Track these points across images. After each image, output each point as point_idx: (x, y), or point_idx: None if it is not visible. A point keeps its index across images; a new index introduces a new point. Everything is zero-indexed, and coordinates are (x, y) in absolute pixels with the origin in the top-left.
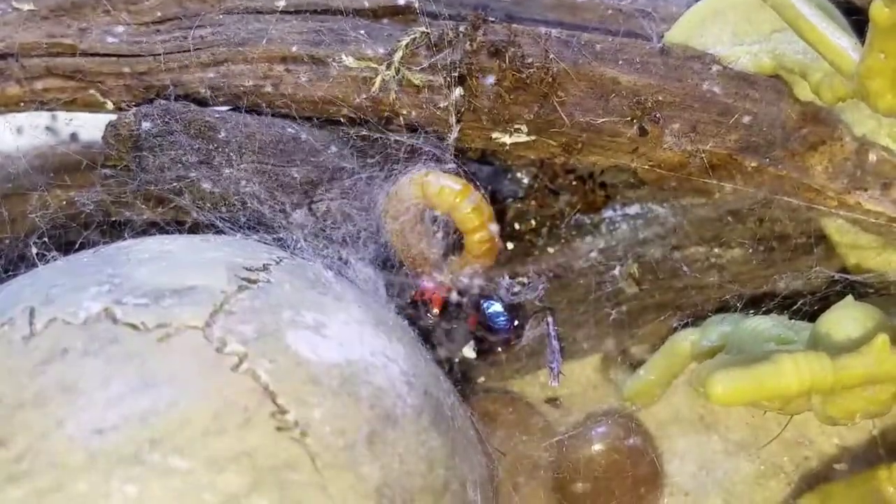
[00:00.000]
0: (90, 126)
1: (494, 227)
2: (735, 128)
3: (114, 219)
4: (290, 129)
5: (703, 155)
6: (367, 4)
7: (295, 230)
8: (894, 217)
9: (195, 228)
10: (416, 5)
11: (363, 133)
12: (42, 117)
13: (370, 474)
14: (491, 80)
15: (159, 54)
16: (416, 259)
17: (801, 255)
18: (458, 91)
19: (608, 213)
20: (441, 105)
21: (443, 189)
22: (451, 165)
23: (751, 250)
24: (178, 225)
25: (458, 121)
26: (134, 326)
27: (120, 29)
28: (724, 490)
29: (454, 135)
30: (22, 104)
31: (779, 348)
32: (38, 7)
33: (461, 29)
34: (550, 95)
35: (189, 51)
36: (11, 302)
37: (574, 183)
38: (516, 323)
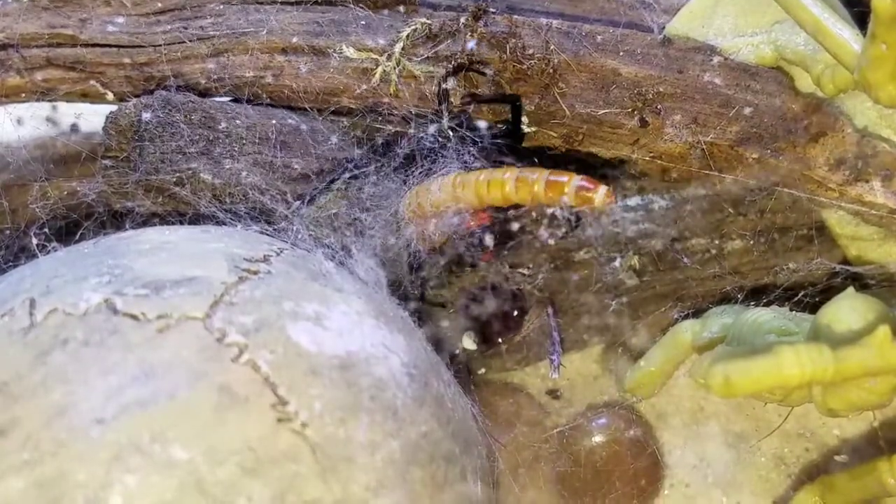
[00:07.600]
0: (91, 117)
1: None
2: (736, 119)
3: (114, 209)
4: (290, 120)
5: (704, 146)
6: None
7: (296, 221)
8: (895, 209)
9: (196, 219)
10: None
11: (364, 123)
12: (43, 108)
13: (370, 465)
14: (490, 72)
15: (160, 45)
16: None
17: (802, 246)
18: (452, 81)
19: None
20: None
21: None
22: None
23: (752, 242)
24: (180, 216)
25: (460, 103)
26: (134, 317)
27: (120, 19)
28: (724, 482)
29: (445, 122)
30: (23, 95)
31: (780, 340)
32: None
33: (462, 20)
34: (551, 87)
35: (190, 41)
36: (12, 292)
37: None
38: (517, 314)
